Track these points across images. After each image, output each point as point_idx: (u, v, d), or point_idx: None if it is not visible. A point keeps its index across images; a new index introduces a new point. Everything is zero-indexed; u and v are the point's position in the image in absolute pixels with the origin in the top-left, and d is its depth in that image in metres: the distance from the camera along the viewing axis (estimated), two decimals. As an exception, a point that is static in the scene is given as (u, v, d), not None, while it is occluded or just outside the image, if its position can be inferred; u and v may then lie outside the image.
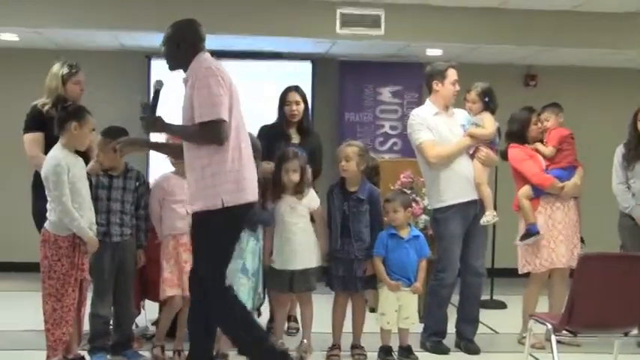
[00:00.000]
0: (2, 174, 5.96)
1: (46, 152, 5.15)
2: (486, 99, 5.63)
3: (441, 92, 5.64)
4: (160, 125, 4.44)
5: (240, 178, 4.30)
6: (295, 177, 5.25)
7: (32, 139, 5.36)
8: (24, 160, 5.43)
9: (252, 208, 4.45)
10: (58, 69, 5.49)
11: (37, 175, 5.29)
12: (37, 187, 5.10)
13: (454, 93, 5.63)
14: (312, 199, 5.35)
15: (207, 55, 4.46)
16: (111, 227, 5.10)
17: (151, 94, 4.50)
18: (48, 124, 5.21)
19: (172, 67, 4.52)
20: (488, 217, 5.52)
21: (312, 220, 5.37)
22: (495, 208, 7.08)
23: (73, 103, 5.17)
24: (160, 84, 4.49)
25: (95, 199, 5.01)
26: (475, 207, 5.55)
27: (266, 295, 5.50)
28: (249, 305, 5.10)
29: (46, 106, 5.40)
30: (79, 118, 4.72)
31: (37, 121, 5.38)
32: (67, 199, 4.55)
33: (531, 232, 5.76)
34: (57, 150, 4.69)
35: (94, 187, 5.03)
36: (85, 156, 5.02)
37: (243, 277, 5.10)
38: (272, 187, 5.31)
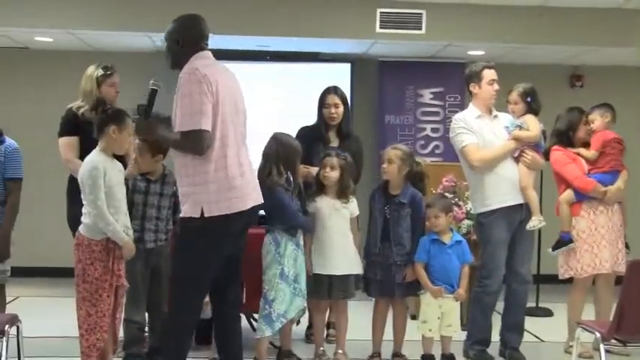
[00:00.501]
0: (37, 177, 6.03)
1: (81, 156, 5.20)
2: (528, 99, 5.57)
3: (480, 94, 5.61)
4: (149, 129, 4.39)
5: (225, 188, 4.19)
6: (331, 174, 5.25)
7: (67, 143, 5.41)
8: (58, 163, 5.49)
9: (243, 216, 4.27)
10: (92, 71, 5.51)
11: (71, 180, 5.34)
12: (72, 191, 5.15)
13: (493, 94, 5.58)
14: (354, 207, 5.38)
15: (206, 54, 4.37)
16: (145, 233, 5.14)
17: (147, 95, 4.41)
18: (83, 128, 5.25)
19: (172, 66, 4.45)
20: (535, 222, 5.47)
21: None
22: (541, 213, 7.08)
23: (112, 106, 5.18)
24: (156, 84, 4.39)
25: (131, 203, 5.04)
26: (521, 211, 5.50)
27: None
28: (289, 313, 5.11)
29: (82, 109, 5.43)
30: (118, 122, 4.70)
31: (72, 125, 5.42)
32: (102, 203, 4.56)
33: (563, 241, 5.72)
34: (95, 154, 4.71)
35: (130, 192, 5.05)
36: (123, 160, 5.04)
37: (282, 283, 5.11)
38: (315, 186, 5.37)
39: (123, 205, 4.75)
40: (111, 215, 4.60)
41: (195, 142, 4.14)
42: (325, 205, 5.30)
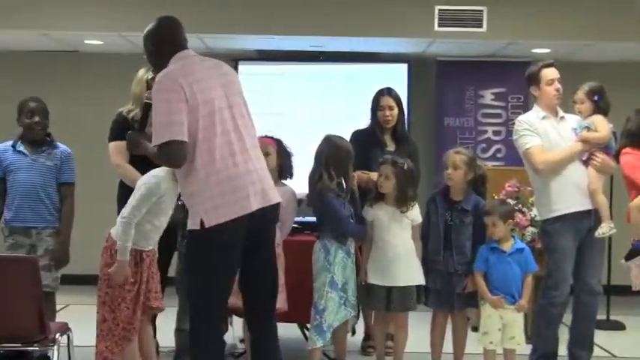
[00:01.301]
0: (87, 183, 6.13)
1: (131, 161, 5.29)
2: (595, 98, 5.47)
3: (541, 97, 5.53)
4: (135, 144, 4.33)
5: (219, 194, 4.00)
6: (386, 183, 5.23)
7: (117, 148, 5.44)
8: (108, 168, 5.56)
9: (251, 220, 4.03)
10: (142, 74, 5.56)
11: (122, 186, 5.42)
12: (123, 198, 5.17)
13: (554, 94, 5.49)
14: (416, 214, 5.32)
15: (184, 53, 4.25)
16: None
17: (140, 109, 4.40)
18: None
19: (154, 70, 4.45)
20: (604, 229, 5.37)
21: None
22: (611, 219, 6.95)
23: None
24: (150, 97, 4.24)
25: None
26: (589, 218, 5.40)
27: (360, 313, 5.49)
28: (335, 321, 5.10)
29: (132, 113, 5.49)
30: None
31: (122, 129, 5.44)
32: (134, 218, 4.56)
33: (636, 251, 5.60)
34: (164, 169, 4.62)
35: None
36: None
37: (332, 292, 5.11)
38: (374, 193, 5.34)
39: (163, 227, 4.78)
40: (148, 232, 4.65)
41: (169, 155, 4.03)
42: (384, 213, 5.28)
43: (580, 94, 5.49)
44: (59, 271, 5.45)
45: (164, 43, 4.27)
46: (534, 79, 5.53)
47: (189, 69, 4.14)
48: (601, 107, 5.47)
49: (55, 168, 5.47)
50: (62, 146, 5.57)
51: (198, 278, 4.13)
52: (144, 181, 4.65)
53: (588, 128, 5.40)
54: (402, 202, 5.25)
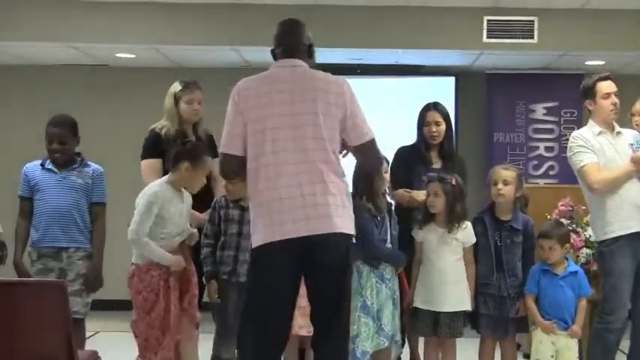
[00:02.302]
0: (118, 203, 6.19)
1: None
2: None
3: (597, 111, 5.50)
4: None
5: (260, 214, 4.11)
6: (436, 201, 5.22)
7: (149, 166, 5.52)
8: (139, 187, 5.61)
9: (289, 247, 4.03)
10: (173, 88, 5.63)
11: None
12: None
13: (611, 108, 5.44)
14: (468, 235, 5.28)
15: (282, 62, 4.32)
16: (238, 266, 5.18)
17: None
18: (167, 149, 5.35)
19: None
20: None
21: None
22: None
23: (192, 140, 5.26)
24: None
25: (224, 234, 5.14)
26: None
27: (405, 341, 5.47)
28: (369, 348, 5.07)
29: (164, 129, 5.56)
30: (193, 158, 4.79)
31: (154, 146, 5.53)
32: (141, 232, 4.67)
33: None
34: (159, 183, 4.82)
35: (222, 222, 5.17)
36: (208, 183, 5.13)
37: (364, 317, 5.07)
38: (422, 214, 5.33)
39: (177, 237, 4.84)
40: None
41: (220, 167, 4.26)
42: (433, 235, 5.26)
43: (638, 106, 5.45)
44: (90, 296, 5.43)
45: (275, 45, 4.36)
46: (589, 93, 5.50)
47: (259, 75, 4.26)
48: None
49: (87, 187, 5.41)
50: (94, 165, 5.52)
51: (250, 300, 4.30)
52: (141, 196, 4.77)
53: None
54: (452, 220, 5.23)
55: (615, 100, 5.45)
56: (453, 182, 5.26)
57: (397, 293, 5.23)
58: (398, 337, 5.29)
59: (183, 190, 4.89)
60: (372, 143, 4.27)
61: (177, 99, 5.59)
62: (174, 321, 4.76)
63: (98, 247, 5.46)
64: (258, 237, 4.10)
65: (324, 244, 4.06)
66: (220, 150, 4.21)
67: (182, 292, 4.86)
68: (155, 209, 4.69)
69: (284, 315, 4.19)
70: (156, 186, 4.82)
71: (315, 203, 4.04)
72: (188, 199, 4.95)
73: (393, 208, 5.38)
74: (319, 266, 4.11)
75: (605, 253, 5.41)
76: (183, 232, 4.90)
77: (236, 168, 4.17)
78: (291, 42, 4.31)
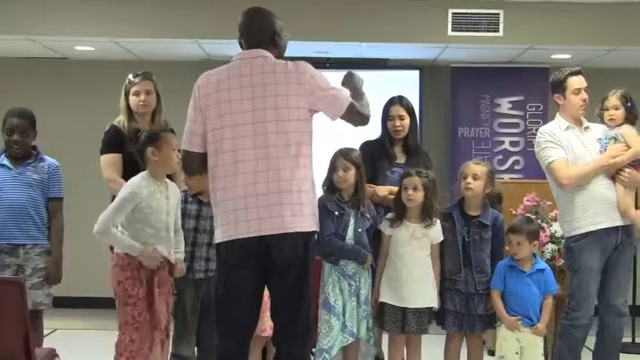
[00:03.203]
0: (76, 198, 6.12)
1: (124, 174, 5.27)
2: (629, 105, 5.44)
3: (565, 106, 5.52)
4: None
5: (221, 211, 4.14)
6: (417, 195, 5.18)
7: (109, 161, 5.47)
8: (99, 182, 5.55)
9: (251, 243, 4.07)
10: (126, 81, 5.60)
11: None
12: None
13: (580, 104, 5.47)
14: (437, 232, 5.26)
15: (242, 54, 4.29)
16: (195, 262, 5.16)
17: None
18: (127, 144, 5.33)
19: None
20: None
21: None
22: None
23: (145, 131, 5.20)
24: None
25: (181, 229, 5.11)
26: (617, 235, 5.38)
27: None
28: (334, 349, 5.06)
29: (122, 124, 5.52)
30: (153, 142, 4.76)
31: (113, 141, 5.48)
32: (110, 223, 4.62)
33: None
34: (140, 177, 4.75)
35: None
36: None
37: (325, 314, 5.08)
38: (394, 210, 5.29)
39: (163, 232, 4.79)
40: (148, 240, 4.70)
41: (182, 164, 4.41)
42: (404, 231, 5.23)
43: (614, 100, 5.43)
44: (52, 287, 5.42)
45: (239, 36, 4.34)
46: (559, 87, 5.51)
47: (221, 75, 4.20)
48: (633, 114, 5.44)
49: (43, 182, 5.41)
50: (49, 159, 5.51)
51: (216, 294, 4.32)
52: (122, 191, 4.72)
53: (615, 139, 5.36)
54: (426, 215, 5.21)
55: (585, 96, 5.46)
56: (429, 177, 5.25)
57: (364, 290, 5.20)
58: (371, 334, 5.26)
59: (168, 184, 4.86)
60: (350, 109, 4.25)
61: (126, 92, 5.56)
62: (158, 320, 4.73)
63: (57, 243, 5.47)
64: (218, 234, 4.16)
65: (277, 244, 4.08)
66: (181, 147, 4.26)
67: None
68: (130, 206, 4.64)
69: (245, 312, 4.21)
70: (136, 181, 4.74)
71: (268, 203, 4.05)
72: (174, 196, 4.90)
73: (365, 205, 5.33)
74: (275, 265, 4.12)
75: (574, 249, 5.43)
76: (169, 234, 4.84)
77: (196, 165, 4.25)
78: (253, 31, 4.29)
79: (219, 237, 4.16)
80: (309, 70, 4.20)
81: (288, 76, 4.14)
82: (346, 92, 4.29)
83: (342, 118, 4.27)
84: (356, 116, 4.31)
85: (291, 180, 4.07)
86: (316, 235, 4.29)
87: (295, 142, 4.11)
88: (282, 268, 4.12)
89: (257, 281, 4.19)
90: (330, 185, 5.18)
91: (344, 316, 5.11)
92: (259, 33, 4.28)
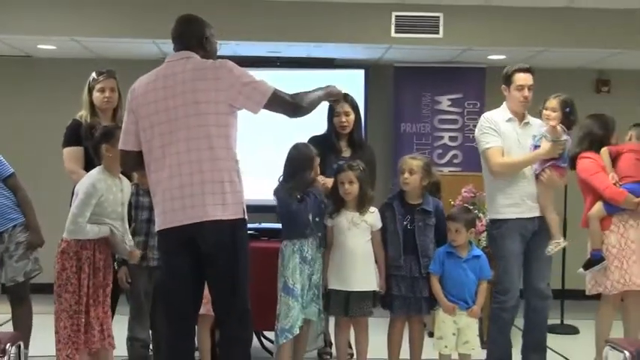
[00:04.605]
0: (37, 189, 6.09)
1: (86, 167, 5.26)
2: (567, 110, 5.48)
3: (509, 98, 5.57)
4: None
5: (155, 203, 4.27)
6: (352, 188, 5.24)
7: (71, 154, 5.46)
8: (59, 174, 5.52)
9: (179, 234, 4.15)
10: (90, 77, 5.59)
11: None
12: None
13: (521, 100, 5.50)
14: (376, 219, 5.30)
15: (170, 57, 4.36)
16: (148, 250, 5.20)
17: None
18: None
19: None
20: (552, 247, 5.43)
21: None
22: (565, 224, 7.05)
23: (100, 126, 5.18)
24: None
25: (134, 221, 5.12)
26: (534, 223, 5.48)
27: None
28: (294, 329, 5.10)
29: (84, 118, 5.51)
30: (107, 139, 4.78)
31: (75, 134, 5.46)
32: (83, 222, 4.66)
33: (594, 260, 5.67)
34: (97, 171, 4.80)
35: (132, 208, 5.14)
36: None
37: (284, 297, 5.12)
38: (332, 202, 5.32)
39: (118, 222, 4.82)
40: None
41: (120, 162, 4.50)
42: (343, 217, 5.28)
43: (554, 103, 5.48)
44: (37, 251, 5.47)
45: (172, 40, 4.39)
46: (506, 80, 5.55)
47: (150, 78, 4.27)
48: (570, 119, 5.49)
49: None
50: None
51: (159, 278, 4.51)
52: (79, 186, 4.75)
53: (545, 138, 5.43)
54: (363, 203, 5.26)
55: (527, 94, 5.48)
56: (361, 168, 5.30)
57: (316, 275, 5.25)
58: (322, 316, 5.34)
59: (121, 178, 4.88)
60: (274, 97, 4.25)
61: (90, 88, 5.56)
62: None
63: (30, 212, 5.49)
64: (156, 224, 4.28)
65: (200, 231, 4.12)
66: (118, 146, 4.36)
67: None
68: (93, 200, 4.67)
69: (183, 296, 4.28)
70: (93, 174, 4.77)
71: (191, 193, 4.10)
72: (127, 188, 4.94)
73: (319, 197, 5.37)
74: (203, 252, 4.18)
75: (496, 236, 5.53)
76: (124, 224, 4.91)
77: (131, 162, 4.36)
78: (180, 36, 4.36)
79: (156, 227, 4.28)
80: (227, 65, 4.23)
81: (206, 72, 4.19)
82: (268, 83, 4.30)
83: (267, 107, 4.26)
84: (285, 104, 4.32)
85: (212, 171, 4.12)
86: (246, 223, 4.30)
87: (216, 135, 4.15)
88: (210, 256, 4.18)
89: (192, 268, 4.24)
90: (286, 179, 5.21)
91: (303, 297, 5.16)
92: (187, 37, 4.34)
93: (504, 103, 5.62)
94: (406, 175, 5.31)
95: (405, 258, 5.29)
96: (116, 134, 4.71)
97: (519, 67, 5.54)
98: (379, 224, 5.31)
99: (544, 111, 5.51)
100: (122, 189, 4.85)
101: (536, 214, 5.47)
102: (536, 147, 5.45)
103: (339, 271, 5.25)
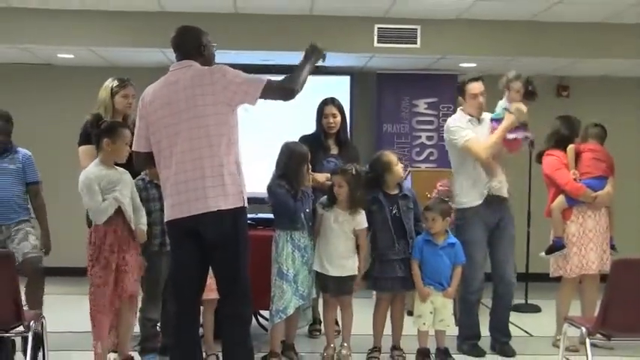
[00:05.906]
0: (54, 190, 6.07)
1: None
2: (530, 88, 5.47)
3: (465, 105, 5.64)
4: None
5: (165, 196, 4.28)
6: (340, 191, 5.19)
7: (85, 152, 5.39)
8: (75, 174, 5.47)
9: (185, 223, 4.14)
10: (109, 83, 5.56)
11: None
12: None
13: (476, 106, 5.55)
14: (361, 221, 5.22)
15: (174, 65, 4.34)
16: (165, 237, 5.11)
17: None
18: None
19: None
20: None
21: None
22: (529, 214, 7.09)
23: (106, 121, 5.15)
24: None
25: (149, 213, 5.07)
26: (499, 213, 5.50)
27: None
28: (288, 309, 5.11)
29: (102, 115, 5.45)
30: (110, 134, 4.76)
31: (89, 134, 5.42)
32: (99, 205, 4.66)
33: (556, 246, 5.70)
34: (91, 166, 4.80)
35: (144, 202, 5.07)
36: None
37: (279, 281, 5.11)
38: (328, 198, 5.30)
39: (129, 208, 4.82)
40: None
41: (133, 161, 4.46)
42: (331, 215, 5.23)
43: (519, 84, 5.44)
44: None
45: (173, 49, 4.37)
46: (460, 90, 5.64)
47: (160, 80, 4.30)
48: (534, 94, 5.49)
49: (19, 170, 5.45)
50: (23, 150, 5.55)
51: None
52: (79, 186, 4.74)
53: (508, 110, 5.42)
54: (353, 204, 5.20)
55: (480, 100, 5.54)
56: (353, 172, 5.23)
57: (312, 261, 5.24)
58: (313, 294, 5.34)
59: (117, 168, 4.84)
60: (268, 87, 4.22)
61: (113, 92, 5.52)
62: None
63: (43, 218, 5.55)
64: (165, 215, 4.30)
65: (202, 221, 4.11)
66: (133, 147, 4.42)
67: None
68: (95, 185, 4.67)
69: (188, 281, 4.30)
70: (86, 170, 4.78)
71: (194, 187, 4.11)
72: (126, 177, 4.88)
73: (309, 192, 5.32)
74: (206, 241, 4.17)
75: (460, 226, 5.55)
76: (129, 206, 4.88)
77: (142, 161, 4.41)
78: (179, 47, 4.35)
79: (165, 218, 4.30)
80: (221, 69, 4.21)
81: (203, 78, 4.18)
82: (259, 76, 4.26)
83: (263, 97, 4.23)
84: (278, 91, 4.30)
85: (212, 166, 4.10)
86: (246, 210, 4.27)
87: (215, 134, 4.13)
88: (213, 244, 4.16)
89: (197, 255, 4.23)
90: (279, 175, 5.18)
91: (296, 282, 5.14)
92: (186, 47, 4.33)
93: (459, 109, 5.68)
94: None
95: (398, 242, 5.27)
96: (119, 131, 4.76)
97: (471, 78, 5.61)
98: (364, 224, 5.24)
99: (508, 92, 5.47)
100: (120, 176, 4.82)
101: (499, 194, 5.48)
102: (497, 121, 5.48)
103: (321, 258, 5.24)
